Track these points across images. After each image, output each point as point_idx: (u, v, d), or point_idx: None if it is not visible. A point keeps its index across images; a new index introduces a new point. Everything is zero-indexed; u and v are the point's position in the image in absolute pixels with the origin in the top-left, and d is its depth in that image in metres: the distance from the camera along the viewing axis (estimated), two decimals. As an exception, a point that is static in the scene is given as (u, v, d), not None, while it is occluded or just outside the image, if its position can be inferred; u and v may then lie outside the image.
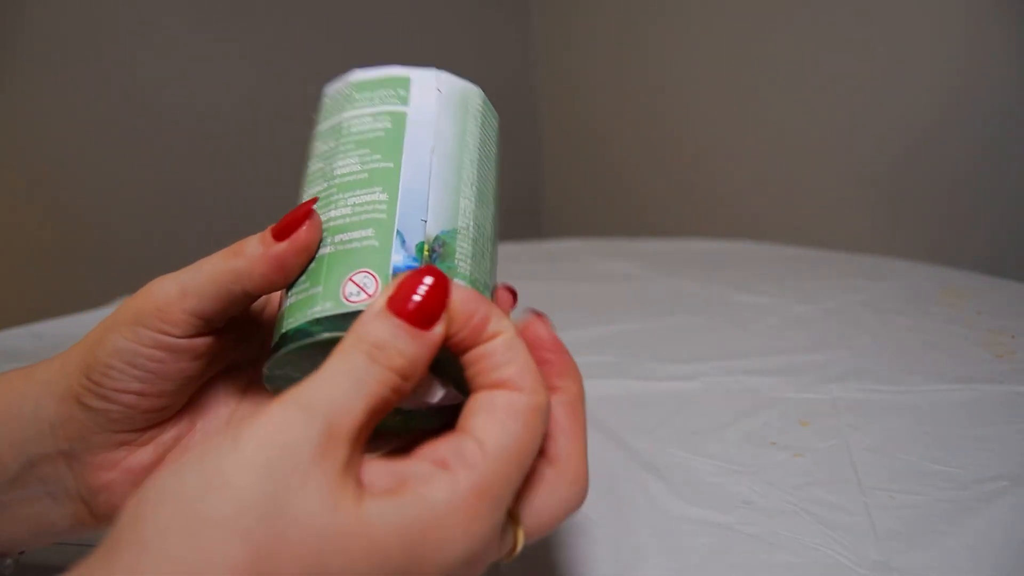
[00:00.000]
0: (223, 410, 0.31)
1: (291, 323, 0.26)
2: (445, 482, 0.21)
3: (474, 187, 0.29)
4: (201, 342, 0.28)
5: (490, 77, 1.67)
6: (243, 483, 0.19)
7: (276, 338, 0.27)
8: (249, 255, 0.26)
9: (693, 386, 0.50)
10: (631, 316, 0.62)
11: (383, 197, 0.27)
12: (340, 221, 0.27)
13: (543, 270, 0.77)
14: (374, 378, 0.22)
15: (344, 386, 0.22)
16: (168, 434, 0.30)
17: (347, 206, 0.27)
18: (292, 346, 0.25)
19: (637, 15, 1.26)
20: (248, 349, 0.32)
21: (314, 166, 0.29)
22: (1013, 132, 0.85)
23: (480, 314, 0.24)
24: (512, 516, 0.24)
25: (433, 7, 1.36)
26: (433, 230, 0.27)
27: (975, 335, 0.54)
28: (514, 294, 0.32)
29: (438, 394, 0.27)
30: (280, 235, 0.26)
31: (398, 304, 0.23)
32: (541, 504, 0.25)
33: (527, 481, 0.24)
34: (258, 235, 0.27)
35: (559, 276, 0.75)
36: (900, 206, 0.97)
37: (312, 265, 0.27)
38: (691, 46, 1.20)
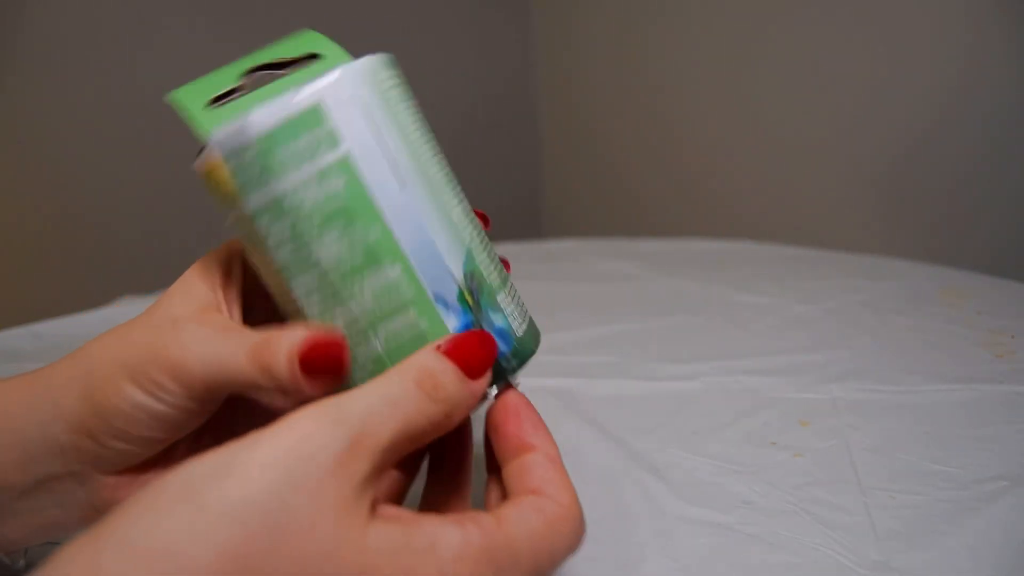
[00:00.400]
0: (242, 420, 0.31)
1: None
2: (457, 533, 0.21)
3: (446, 180, 0.26)
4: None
5: (490, 77, 1.68)
6: (252, 477, 0.19)
7: None
8: (276, 375, 0.24)
9: (693, 386, 0.50)
10: (631, 316, 0.62)
11: (397, 272, 0.24)
12: (370, 313, 0.24)
13: (543, 270, 0.77)
14: (414, 405, 0.22)
15: (379, 404, 0.22)
16: (181, 450, 0.29)
17: (365, 295, 0.24)
18: None
19: (637, 15, 1.26)
20: None
21: (281, 254, 0.24)
22: (1013, 132, 0.85)
23: (527, 426, 0.25)
24: None
25: (433, 7, 1.36)
26: (459, 270, 0.25)
27: (975, 335, 0.54)
28: (486, 220, 0.30)
29: None
30: (310, 370, 0.24)
31: (450, 349, 0.23)
32: (540, 544, 0.23)
33: None
34: (286, 355, 0.24)
35: (559, 276, 0.75)
36: (900, 206, 0.97)
37: (372, 366, 0.25)
38: (691, 46, 1.20)
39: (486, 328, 0.25)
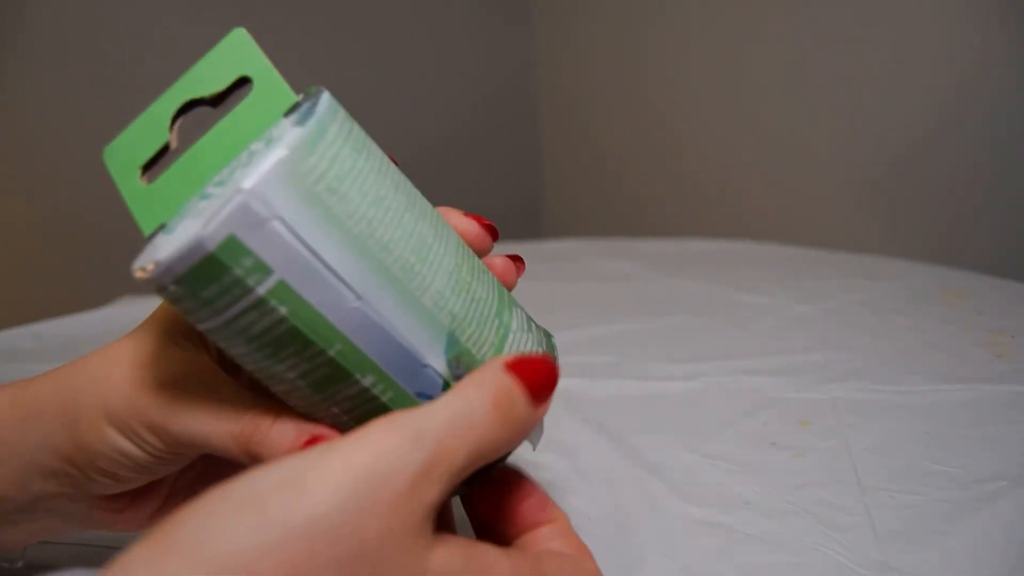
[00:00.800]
0: None
1: None
2: (508, 561, 0.21)
3: (414, 257, 0.22)
4: None
5: (491, 77, 1.68)
6: (324, 494, 0.18)
7: None
8: (269, 447, 0.24)
9: (693, 386, 0.50)
10: (631, 316, 0.62)
11: (371, 380, 0.22)
12: (354, 414, 0.23)
13: (543, 270, 0.77)
14: (488, 426, 0.21)
15: (457, 423, 0.21)
16: (175, 473, 0.29)
17: (345, 403, 0.23)
18: None
19: (637, 16, 1.26)
20: None
21: (249, 366, 0.23)
22: (1013, 132, 0.85)
23: (539, 501, 0.25)
24: None
25: (433, 8, 1.36)
26: (440, 362, 0.23)
27: (975, 335, 0.54)
28: (520, 263, 0.30)
29: None
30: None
31: (519, 368, 0.22)
32: None
33: None
34: (276, 432, 0.24)
35: (559, 276, 0.75)
36: (900, 206, 0.97)
37: None
38: (692, 46, 1.20)
39: None
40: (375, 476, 0.19)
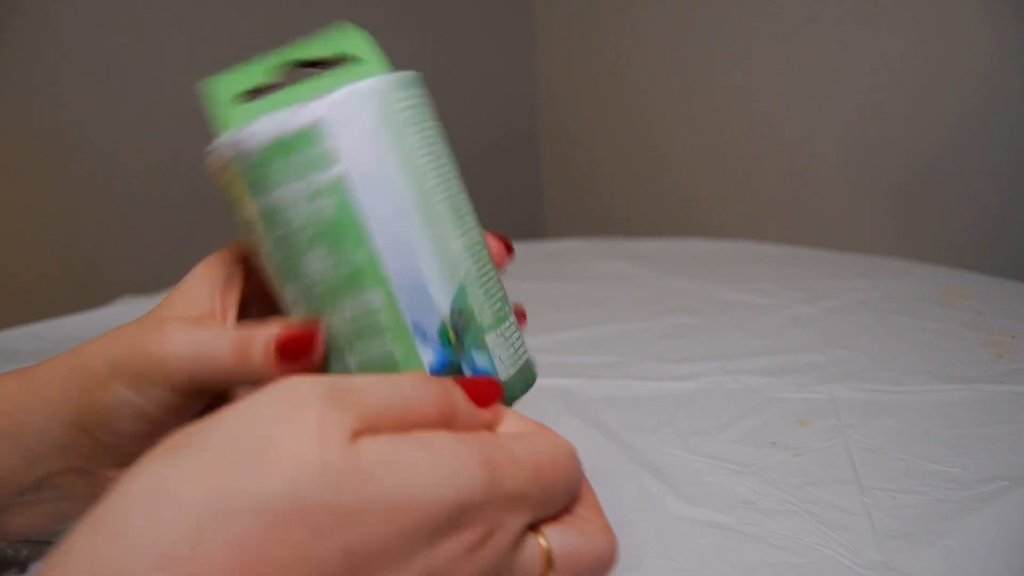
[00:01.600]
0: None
1: None
2: (446, 435, 0.21)
3: (450, 212, 0.25)
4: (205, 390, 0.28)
5: (490, 77, 1.68)
6: (235, 413, 0.19)
7: None
8: (252, 361, 0.25)
9: (693, 386, 0.50)
10: (631, 316, 0.62)
11: (378, 297, 0.24)
12: (348, 332, 0.24)
13: (543, 270, 0.77)
14: (417, 393, 0.21)
15: (378, 382, 0.21)
16: None
17: (346, 314, 0.24)
18: None
19: (638, 17, 1.26)
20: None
21: (275, 258, 0.25)
22: (1013, 132, 0.85)
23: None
24: (541, 547, 0.23)
25: (433, 8, 1.36)
26: (445, 304, 0.24)
27: (975, 335, 0.54)
28: (509, 248, 0.30)
29: None
30: (284, 354, 0.25)
31: (466, 385, 0.23)
32: (576, 546, 0.23)
33: (563, 520, 0.23)
34: (263, 340, 0.25)
35: (559, 276, 0.75)
36: (900, 206, 0.97)
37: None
38: (693, 47, 1.20)
39: (466, 367, 0.25)
40: (281, 393, 0.19)
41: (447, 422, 0.21)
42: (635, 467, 0.41)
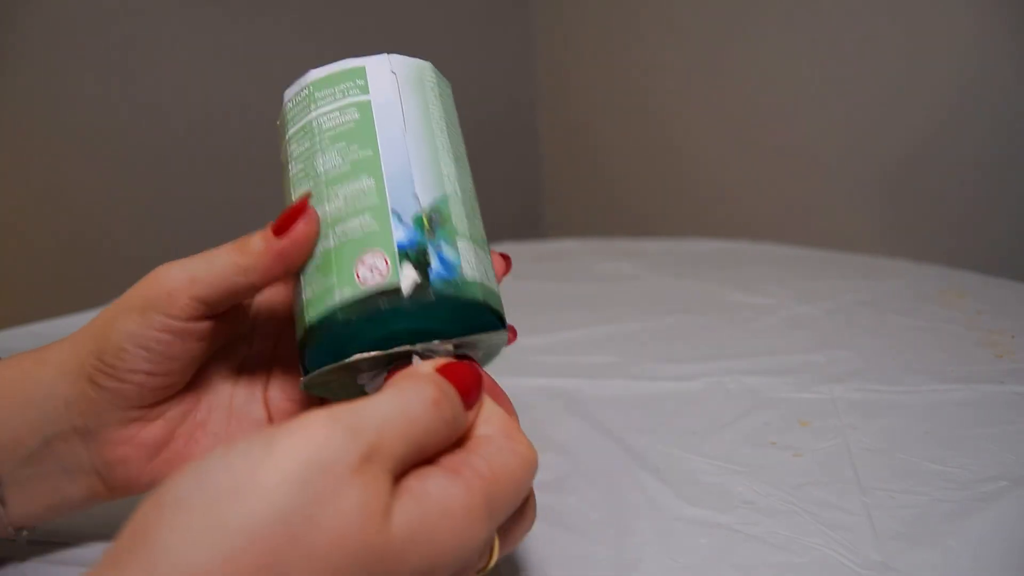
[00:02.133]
0: (224, 385, 0.33)
1: (314, 314, 0.27)
2: (462, 489, 0.22)
3: (449, 153, 0.30)
4: (205, 325, 0.29)
5: (490, 77, 1.68)
6: (273, 494, 0.19)
7: (300, 332, 0.28)
8: (253, 251, 0.28)
9: (693, 386, 0.50)
10: (631, 316, 0.62)
11: (371, 183, 0.28)
12: (336, 214, 0.28)
13: (543, 270, 0.77)
14: (427, 420, 0.22)
15: (396, 417, 0.22)
16: (176, 409, 0.31)
17: (339, 198, 0.28)
18: (322, 335, 0.27)
19: (637, 16, 1.26)
20: (242, 328, 0.34)
21: (295, 168, 0.30)
22: (1014, 132, 0.85)
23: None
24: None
25: (433, 8, 1.36)
26: (426, 201, 0.28)
27: (975, 335, 0.54)
28: (507, 260, 0.33)
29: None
30: (280, 231, 0.28)
31: (450, 374, 0.24)
32: (519, 483, 0.24)
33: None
34: (260, 232, 0.28)
35: (559, 276, 0.75)
36: (900, 206, 0.97)
37: (320, 260, 0.28)
38: (692, 46, 1.20)
39: (432, 253, 0.27)
40: (318, 466, 0.20)
41: (453, 437, 0.23)
42: (635, 467, 0.41)
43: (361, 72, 0.30)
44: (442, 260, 0.27)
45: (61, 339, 0.31)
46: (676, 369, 0.52)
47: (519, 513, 0.25)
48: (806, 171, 1.09)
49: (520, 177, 1.56)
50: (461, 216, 0.29)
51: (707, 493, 0.38)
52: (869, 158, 1.00)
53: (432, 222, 0.28)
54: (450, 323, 0.27)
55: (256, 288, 0.29)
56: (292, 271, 0.28)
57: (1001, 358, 0.51)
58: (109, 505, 0.32)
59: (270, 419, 0.33)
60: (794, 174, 1.10)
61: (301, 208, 0.28)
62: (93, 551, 0.34)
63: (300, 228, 0.27)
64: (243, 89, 1.17)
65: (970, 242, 0.91)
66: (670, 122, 1.27)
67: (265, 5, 1.18)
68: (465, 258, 0.28)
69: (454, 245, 0.28)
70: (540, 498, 0.36)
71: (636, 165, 1.34)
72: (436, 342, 0.27)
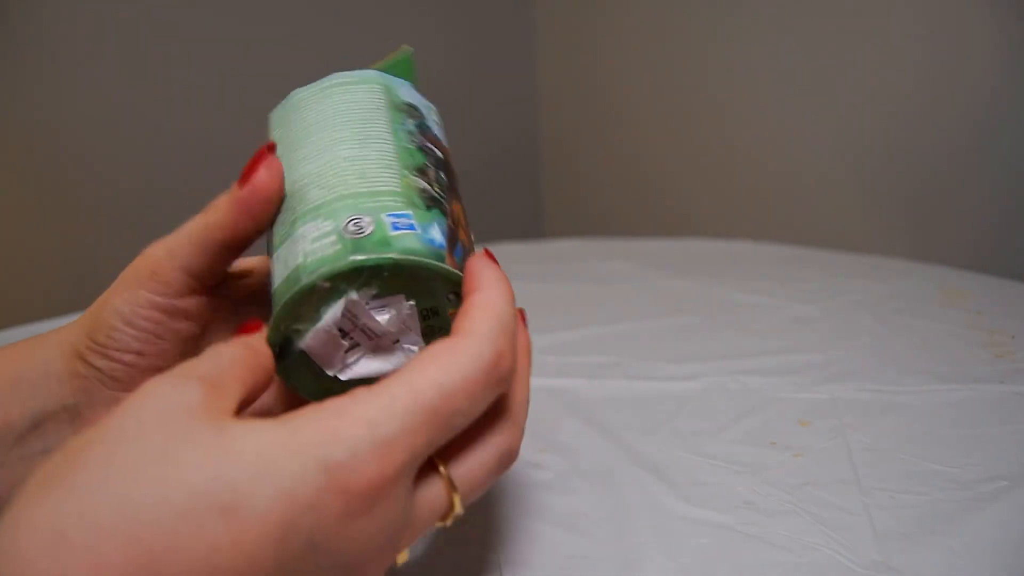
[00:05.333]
0: None
1: (277, 286, 0.27)
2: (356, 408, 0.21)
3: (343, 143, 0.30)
4: (193, 302, 0.30)
5: (491, 76, 1.67)
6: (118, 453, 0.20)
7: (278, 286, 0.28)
8: (220, 207, 0.29)
9: (693, 386, 0.50)
10: (631, 316, 0.62)
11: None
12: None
13: (543, 270, 0.77)
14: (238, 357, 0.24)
15: (222, 360, 0.23)
16: None
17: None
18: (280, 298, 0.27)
19: (638, 15, 1.26)
20: (234, 309, 0.34)
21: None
22: (1014, 132, 0.85)
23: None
24: (441, 477, 0.23)
25: (433, 8, 1.36)
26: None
27: (975, 335, 0.54)
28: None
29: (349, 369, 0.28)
30: (243, 181, 0.28)
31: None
32: (477, 458, 0.24)
33: (464, 434, 0.24)
34: (227, 192, 0.29)
35: (559, 276, 0.75)
36: (900, 206, 0.97)
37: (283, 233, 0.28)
38: (691, 45, 1.20)
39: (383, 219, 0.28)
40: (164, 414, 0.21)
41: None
42: (635, 467, 0.41)
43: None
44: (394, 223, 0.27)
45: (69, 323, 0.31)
46: (676, 369, 0.52)
47: (480, 435, 0.24)
48: (807, 171, 1.09)
49: (520, 178, 1.56)
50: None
51: (707, 493, 0.38)
52: (870, 158, 1.00)
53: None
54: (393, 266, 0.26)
55: (230, 247, 0.29)
56: (260, 222, 0.29)
57: (1001, 358, 0.51)
58: None
59: None
60: (794, 174, 1.10)
61: (260, 156, 0.28)
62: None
63: (261, 175, 0.28)
64: (246, 88, 1.17)
65: (970, 242, 0.91)
66: (671, 122, 1.27)
67: (264, 7, 1.18)
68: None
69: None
70: (540, 498, 0.36)
71: (636, 166, 1.34)
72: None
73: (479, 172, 1.42)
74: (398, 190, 0.28)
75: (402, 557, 0.23)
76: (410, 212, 0.27)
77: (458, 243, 0.28)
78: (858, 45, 0.98)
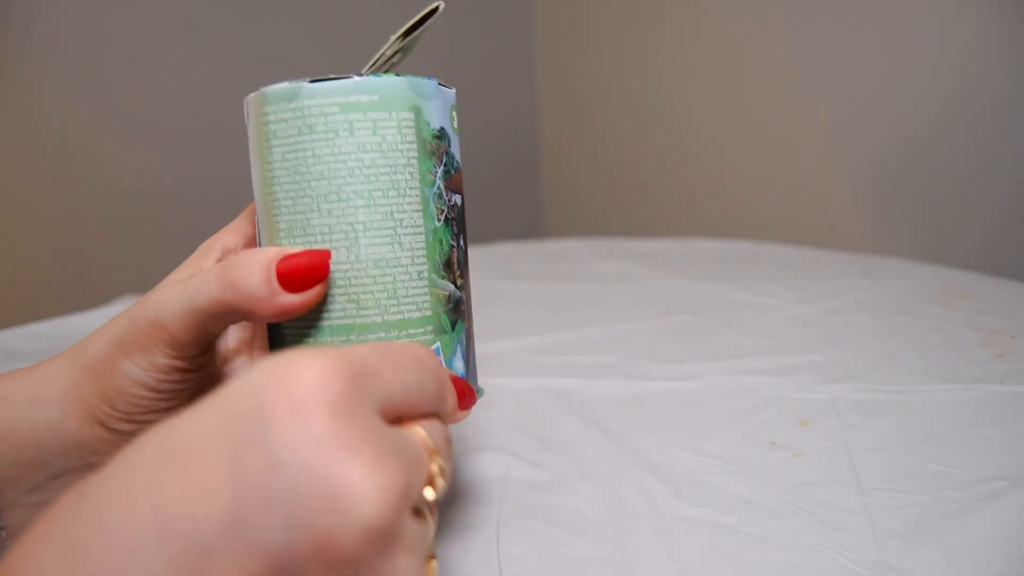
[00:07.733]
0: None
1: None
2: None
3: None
4: (209, 348, 0.29)
5: (491, 77, 1.68)
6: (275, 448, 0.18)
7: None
8: (249, 295, 0.25)
9: (693, 386, 0.50)
10: (631, 316, 0.62)
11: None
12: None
13: (543, 270, 0.77)
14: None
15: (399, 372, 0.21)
16: None
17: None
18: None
19: (638, 15, 1.26)
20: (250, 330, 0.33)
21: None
22: (1014, 132, 0.85)
23: None
24: (419, 437, 0.22)
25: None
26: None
27: (975, 335, 0.54)
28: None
29: None
30: (290, 285, 0.25)
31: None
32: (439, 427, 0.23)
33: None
34: (260, 269, 0.25)
35: (559, 276, 0.75)
36: (900, 206, 0.97)
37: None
38: (691, 46, 1.20)
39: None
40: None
41: (435, 412, 0.23)
42: (635, 467, 0.41)
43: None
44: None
45: (52, 365, 0.28)
46: (676, 369, 0.52)
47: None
48: (807, 171, 1.09)
49: (520, 177, 1.56)
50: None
51: (707, 493, 0.38)
52: (870, 159, 1.00)
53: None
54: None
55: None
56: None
57: (1001, 358, 0.51)
58: None
59: None
60: (795, 174, 1.10)
61: (323, 269, 0.26)
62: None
63: (316, 291, 0.26)
64: (246, 88, 1.17)
65: (970, 242, 0.91)
66: (671, 122, 1.27)
67: (263, 7, 1.18)
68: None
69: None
70: (540, 498, 0.36)
71: (637, 165, 1.34)
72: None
73: (479, 172, 1.42)
74: (428, 314, 0.28)
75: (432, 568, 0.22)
76: (439, 344, 0.28)
77: (471, 351, 0.30)
78: (859, 47, 0.98)
